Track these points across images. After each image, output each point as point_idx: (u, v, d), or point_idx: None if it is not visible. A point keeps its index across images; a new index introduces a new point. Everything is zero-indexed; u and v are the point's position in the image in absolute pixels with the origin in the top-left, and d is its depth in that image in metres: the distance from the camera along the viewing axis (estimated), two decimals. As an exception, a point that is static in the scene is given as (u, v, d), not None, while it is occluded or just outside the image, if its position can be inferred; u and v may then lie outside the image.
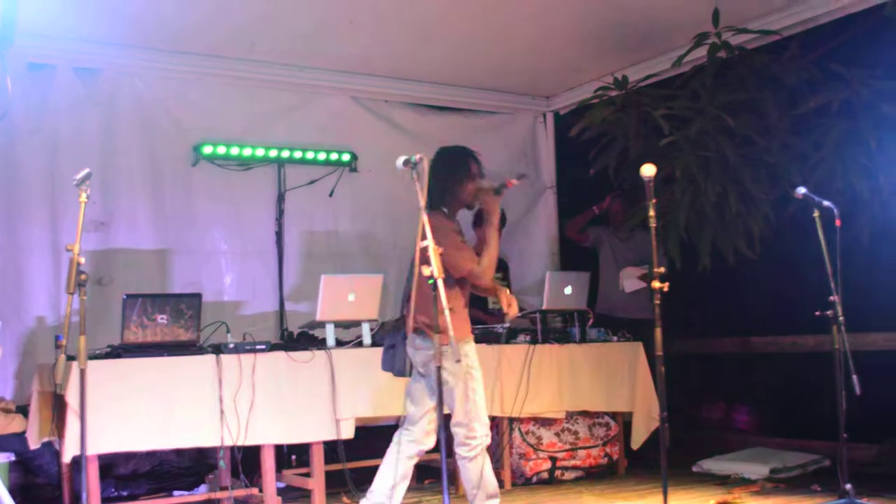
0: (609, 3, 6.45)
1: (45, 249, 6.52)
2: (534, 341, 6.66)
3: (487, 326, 6.70)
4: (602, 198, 7.82)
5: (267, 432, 5.64)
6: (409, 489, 6.64)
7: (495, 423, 6.62)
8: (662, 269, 4.61)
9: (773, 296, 7.45)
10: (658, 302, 4.58)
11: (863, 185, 6.10)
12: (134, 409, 5.24)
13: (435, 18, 6.57)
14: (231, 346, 5.60)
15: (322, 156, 7.59)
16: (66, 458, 5.06)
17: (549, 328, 6.90)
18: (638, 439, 6.98)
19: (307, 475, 5.99)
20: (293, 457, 6.42)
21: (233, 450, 5.61)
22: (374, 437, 6.45)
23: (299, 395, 5.75)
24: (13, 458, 5.69)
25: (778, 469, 6.52)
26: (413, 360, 4.86)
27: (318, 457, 5.89)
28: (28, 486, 6.05)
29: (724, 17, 6.30)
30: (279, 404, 5.67)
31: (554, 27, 6.81)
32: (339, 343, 6.07)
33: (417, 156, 4.16)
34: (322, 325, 6.04)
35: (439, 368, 4.19)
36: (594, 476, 6.90)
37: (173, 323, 5.44)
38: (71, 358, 4.54)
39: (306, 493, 6.01)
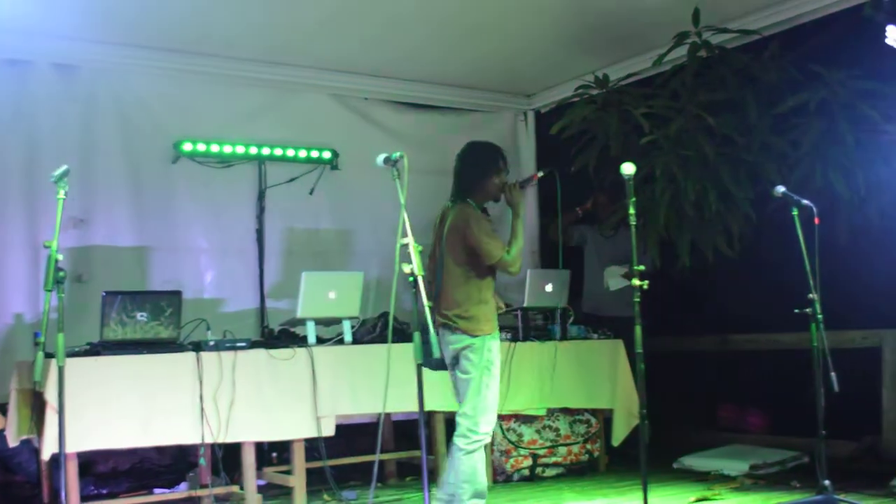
0: (590, 2, 6.45)
1: (24, 246, 6.47)
2: (515, 339, 6.68)
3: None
4: (583, 196, 7.83)
5: (247, 429, 5.63)
6: (390, 486, 6.69)
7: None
8: (643, 267, 4.63)
9: (752, 294, 7.49)
10: (638, 300, 4.60)
11: (841, 183, 6.14)
12: (114, 406, 5.23)
13: (415, 16, 6.56)
14: (211, 343, 5.59)
15: (303, 153, 7.57)
16: (45, 455, 5.04)
17: (530, 326, 6.91)
18: (618, 436, 7.00)
19: (288, 473, 5.99)
20: (274, 454, 6.42)
21: (213, 447, 5.61)
22: (355, 435, 6.47)
23: (280, 393, 5.75)
24: (-8, 456, 5.67)
25: (757, 465, 6.57)
26: (445, 353, 4.90)
27: (298, 454, 5.89)
28: (7, 484, 6.03)
29: (704, 17, 6.32)
30: (260, 402, 5.67)
31: (535, 25, 6.81)
32: (320, 340, 6.07)
33: (397, 153, 4.17)
34: (303, 322, 6.04)
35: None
36: (575, 473, 6.92)
37: (153, 320, 5.42)
38: (49, 355, 4.51)
39: (287, 491, 6.01)
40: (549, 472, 6.85)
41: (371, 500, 6.00)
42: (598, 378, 7.00)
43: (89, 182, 6.75)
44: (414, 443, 6.34)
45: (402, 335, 5.91)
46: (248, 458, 5.72)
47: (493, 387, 4.83)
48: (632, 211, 4.62)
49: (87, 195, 6.73)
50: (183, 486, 5.99)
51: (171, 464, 6.20)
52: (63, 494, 4.20)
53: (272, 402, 5.71)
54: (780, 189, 5.33)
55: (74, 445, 5.03)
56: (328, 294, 6.03)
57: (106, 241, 6.82)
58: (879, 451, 6.74)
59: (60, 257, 4.10)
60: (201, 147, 7.14)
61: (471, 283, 4.84)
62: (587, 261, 7.91)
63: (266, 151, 7.42)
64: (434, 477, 6.30)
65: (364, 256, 7.76)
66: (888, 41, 5.40)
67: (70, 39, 6.55)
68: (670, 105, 6.48)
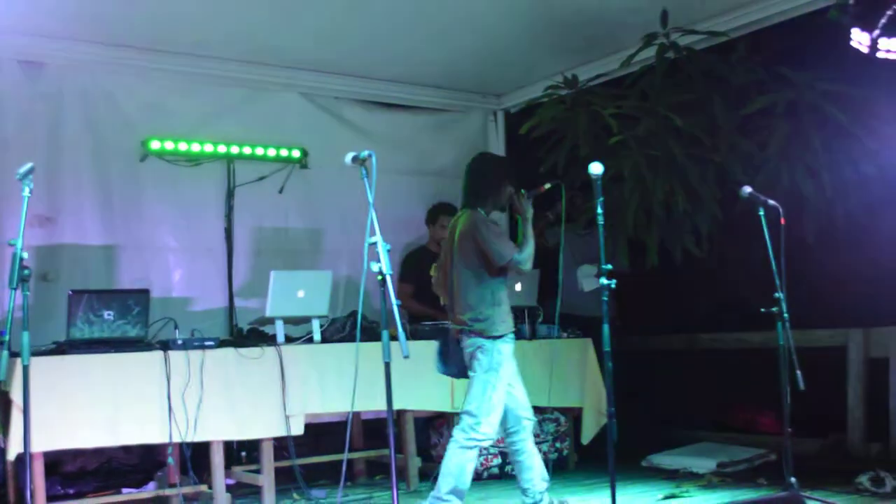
0: (560, 2, 6.48)
1: (-11, 245, 6.41)
2: (484, 338, 6.67)
3: (437, 322, 6.70)
4: (554, 199, 7.84)
5: (216, 429, 5.61)
6: (360, 485, 6.67)
7: (446, 419, 6.65)
8: (610, 266, 4.65)
9: (719, 293, 7.54)
10: (606, 299, 4.63)
11: (807, 184, 6.21)
12: (80, 406, 5.19)
13: (384, 15, 6.55)
14: (179, 342, 5.56)
15: (272, 152, 7.52)
16: (11, 455, 5.00)
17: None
18: (587, 435, 7.03)
19: (257, 472, 5.97)
20: (243, 453, 6.39)
21: (182, 446, 5.58)
22: (323, 434, 6.45)
23: (248, 392, 5.73)
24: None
25: (725, 463, 6.62)
26: (464, 358, 5.14)
27: (267, 453, 5.87)
28: (-29, 484, 5.95)
29: (672, 19, 6.36)
30: (228, 401, 5.65)
31: (504, 26, 6.83)
32: (289, 339, 6.06)
33: (366, 152, 4.17)
34: (272, 321, 6.02)
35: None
36: (544, 471, 6.93)
37: (120, 319, 5.38)
38: (15, 354, 4.47)
39: (256, 490, 5.99)
40: (519, 471, 6.85)
41: (340, 499, 6.00)
42: (568, 377, 7.00)
43: (56, 180, 6.70)
44: (383, 441, 6.33)
45: (371, 334, 5.91)
46: (217, 458, 5.69)
47: (499, 389, 5.00)
48: (600, 210, 4.65)
49: (54, 193, 6.68)
50: (151, 485, 5.94)
51: (138, 463, 6.14)
52: (29, 495, 4.16)
53: (241, 401, 5.69)
54: (747, 190, 5.37)
55: (40, 445, 4.99)
56: (297, 293, 6.02)
57: (73, 240, 6.76)
58: (845, 449, 6.82)
59: (25, 255, 4.07)
60: (169, 145, 7.08)
61: (483, 286, 5.07)
62: (563, 261, 7.91)
63: (235, 150, 7.37)
64: (403, 476, 6.32)
65: (333, 255, 7.75)
66: (853, 43, 5.46)
67: (36, 36, 6.49)
68: (639, 106, 6.52)
